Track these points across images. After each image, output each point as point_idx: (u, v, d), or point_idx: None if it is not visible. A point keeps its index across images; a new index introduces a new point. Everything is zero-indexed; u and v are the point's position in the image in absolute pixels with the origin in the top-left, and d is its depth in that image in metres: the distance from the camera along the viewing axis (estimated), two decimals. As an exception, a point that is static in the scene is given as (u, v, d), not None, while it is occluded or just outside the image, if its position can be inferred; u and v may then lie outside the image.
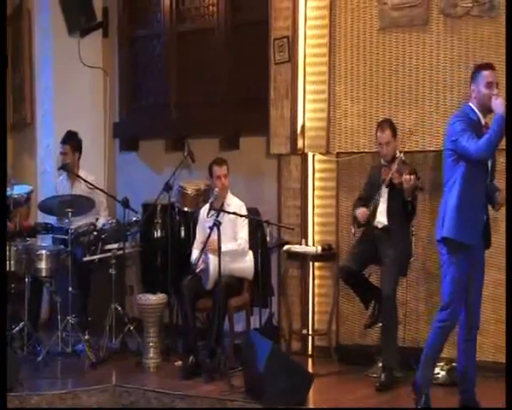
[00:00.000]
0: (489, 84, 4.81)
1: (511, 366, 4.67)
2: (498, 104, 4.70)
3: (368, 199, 5.95)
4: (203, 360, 5.99)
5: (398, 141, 5.95)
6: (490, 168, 4.91)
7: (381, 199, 5.87)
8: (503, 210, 5.24)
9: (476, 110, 4.85)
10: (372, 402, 5.38)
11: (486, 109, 4.81)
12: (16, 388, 5.52)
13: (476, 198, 4.84)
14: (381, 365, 5.80)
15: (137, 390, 5.67)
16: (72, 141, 7.13)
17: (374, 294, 5.93)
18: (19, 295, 6.45)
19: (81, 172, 7.10)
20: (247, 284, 6.39)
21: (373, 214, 5.89)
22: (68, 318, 6.35)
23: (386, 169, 5.83)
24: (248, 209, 6.43)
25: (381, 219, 5.89)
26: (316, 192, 6.65)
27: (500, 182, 5.61)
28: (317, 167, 6.65)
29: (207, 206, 6.33)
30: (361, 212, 5.89)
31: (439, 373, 5.65)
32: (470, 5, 5.95)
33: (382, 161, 5.97)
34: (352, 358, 6.24)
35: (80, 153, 7.18)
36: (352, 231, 6.07)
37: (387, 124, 5.94)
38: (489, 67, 4.92)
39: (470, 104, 4.89)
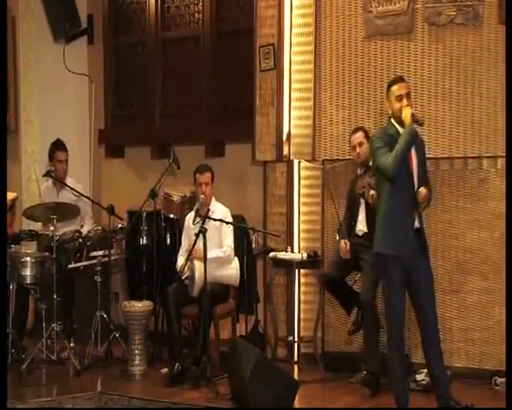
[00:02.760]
0: (398, 98, 4.93)
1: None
2: (406, 115, 4.83)
3: (352, 218, 6.04)
4: (189, 367, 5.97)
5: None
6: (417, 177, 4.91)
7: (360, 208, 5.94)
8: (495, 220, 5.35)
9: (396, 124, 4.93)
10: None
11: (402, 122, 4.89)
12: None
13: (402, 210, 4.87)
14: (365, 372, 5.81)
15: (122, 398, 5.65)
16: (66, 148, 7.14)
17: (356, 300, 5.95)
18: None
19: (68, 180, 7.09)
20: (232, 291, 6.39)
21: (354, 223, 5.97)
22: (53, 325, 6.32)
23: (360, 180, 5.86)
24: (234, 216, 6.44)
25: (361, 226, 5.96)
26: (301, 199, 6.67)
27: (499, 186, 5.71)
28: (303, 174, 6.67)
29: (193, 213, 6.32)
30: (342, 249, 5.94)
31: (423, 380, 5.66)
32: (454, 13, 5.99)
33: (358, 171, 6.02)
34: (338, 365, 6.24)
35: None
36: (337, 238, 6.11)
37: (359, 128, 6.10)
38: (396, 81, 5.05)
39: (391, 119, 4.99)
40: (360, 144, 5.98)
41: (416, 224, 4.90)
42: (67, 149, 7.14)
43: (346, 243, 5.93)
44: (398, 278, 4.88)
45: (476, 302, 5.97)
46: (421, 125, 4.95)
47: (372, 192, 5.55)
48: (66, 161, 7.11)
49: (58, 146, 7.14)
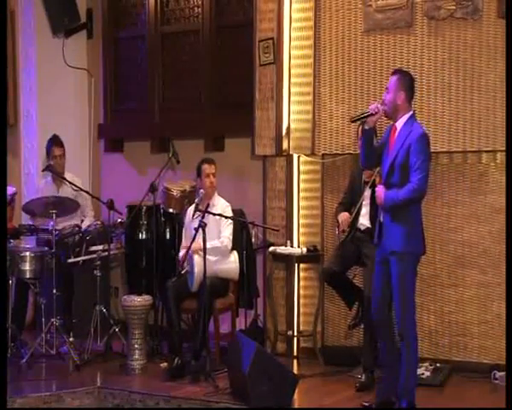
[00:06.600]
0: None
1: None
2: None
3: (349, 203, 6.00)
4: (188, 361, 5.98)
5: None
6: (385, 174, 5.02)
7: (364, 202, 5.91)
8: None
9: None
10: (355, 404, 5.38)
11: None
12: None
13: None
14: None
15: (122, 392, 5.66)
16: (62, 143, 7.14)
17: (357, 295, 5.95)
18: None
19: (67, 175, 7.10)
20: (232, 285, 6.40)
21: (356, 217, 5.92)
22: (52, 320, 6.32)
23: (369, 171, 5.85)
24: (234, 210, 6.44)
25: (364, 221, 5.92)
26: (301, 193, 6.67)
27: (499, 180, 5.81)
28: (302, 169, 6.67)
29: (193, 207, 6.32)
30: (342, 216, 5.91)
31: (423, 374, 5.68)
32: (453, 8, 5.98)
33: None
34: (338, 359, 6.25)
35: (64, 155, 7.20)
36: (337, 232, 6.11)
37: None
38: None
39: None
40: None
41: (380, 218, 5.03)
42: (64, 144, 7.13)
43: (349, 213, 5.88)
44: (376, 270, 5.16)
45: (474, 296, 5.98)
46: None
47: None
48: (63, 155, 7.11)
49: (54, 141, 7.13)
